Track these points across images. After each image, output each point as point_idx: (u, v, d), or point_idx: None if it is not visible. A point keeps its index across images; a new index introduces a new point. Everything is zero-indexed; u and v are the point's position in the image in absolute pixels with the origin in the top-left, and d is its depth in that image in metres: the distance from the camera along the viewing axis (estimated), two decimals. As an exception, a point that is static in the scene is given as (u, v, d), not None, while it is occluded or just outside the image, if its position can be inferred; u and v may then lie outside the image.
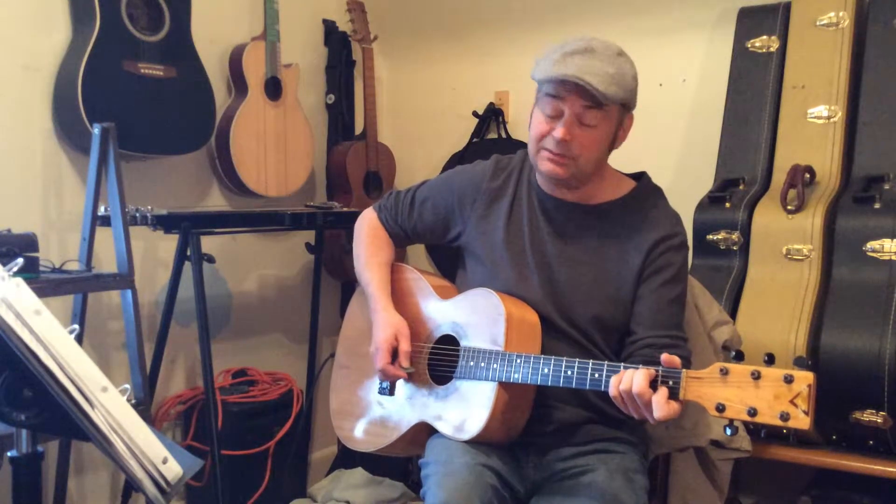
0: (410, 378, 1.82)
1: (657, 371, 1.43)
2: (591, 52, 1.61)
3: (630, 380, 1.43)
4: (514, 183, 1.84)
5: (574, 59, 1.60)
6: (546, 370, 1.58)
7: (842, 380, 2.02)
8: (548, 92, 1.65)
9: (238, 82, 2.81)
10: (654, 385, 1.42)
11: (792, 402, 1.31)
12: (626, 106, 1.68)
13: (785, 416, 1.30)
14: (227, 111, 2.78)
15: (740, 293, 2.26)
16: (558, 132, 1.64)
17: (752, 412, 1.33)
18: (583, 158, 1.67)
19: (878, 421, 2.00)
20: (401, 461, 2.83)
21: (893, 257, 2.10)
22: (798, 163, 2.30)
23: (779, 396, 1.32)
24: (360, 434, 1.91)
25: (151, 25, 2.48)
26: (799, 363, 1.34)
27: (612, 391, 1.47)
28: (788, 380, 1.31)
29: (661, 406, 1.40)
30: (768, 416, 1.32)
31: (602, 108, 1.63)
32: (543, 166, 1.70)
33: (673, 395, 1.41)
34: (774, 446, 2.14)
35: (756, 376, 1.33)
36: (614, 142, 1.73)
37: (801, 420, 1.30)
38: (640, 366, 1.45)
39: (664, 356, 1.43)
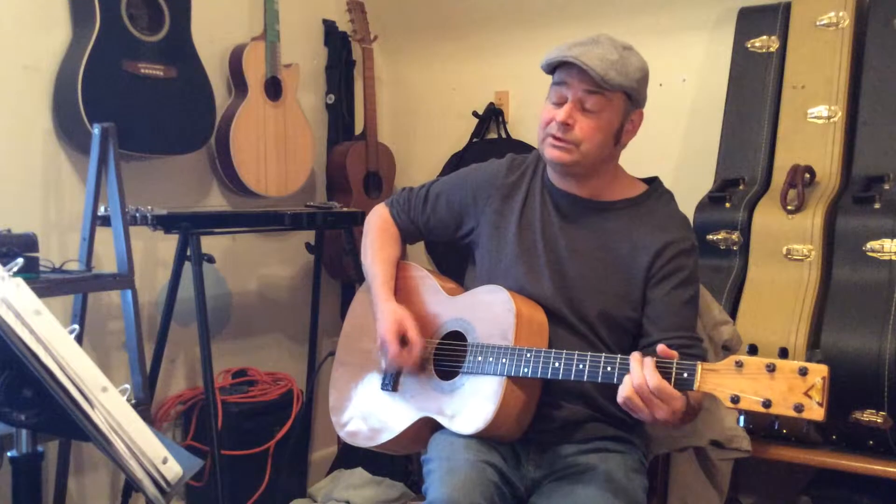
0: (415, 373, 1.81)
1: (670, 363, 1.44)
2: (595, 42, 1.67)
3: (641, 375, 1.43)
4: (528, 180, 1.86)
5: (578, 47, 1.67)
6: (557, 364, 1.59)
7: (842, 380, 2.01)
8: (554, 81, 1.72)
9: (238, 82, 2.81)
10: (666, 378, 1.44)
11: (806, 393, 1.32)
12: (631, 98, 1.70)
13: (799, 408, 1.31)
14: (227, 111, 2.78)
15: (740, 293, 2.26)
16: (560, 115, 1.68)
17: (767, 403, 1.33)
18: (585, 145, 1.69)
19: (878, 421, 2.00)
20: (401, 461, 2.83)
21: (893, 257, 2.10)
22: (798, 163, 2.30)
23: (793, 388, 1.32)
24: (359, 430, 1.90)
25: (151, 25, 2.48)
26: (812, 358, 1.35)
27: (625, 391, 1.45)
28: (803, 372, 1.32)
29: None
30: (782, 408, 1.33)
31: (603, 94, 1.66)
32: (548, 153, 1.73)
33: (687, 385, 1.42)
34: (774, 446, 2.14)
35: (771, 368, 1.34)
36: (620, 135, 1.74)
37: (816, 411, 1.31)
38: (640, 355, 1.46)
39: (660, 347, 1.46)
